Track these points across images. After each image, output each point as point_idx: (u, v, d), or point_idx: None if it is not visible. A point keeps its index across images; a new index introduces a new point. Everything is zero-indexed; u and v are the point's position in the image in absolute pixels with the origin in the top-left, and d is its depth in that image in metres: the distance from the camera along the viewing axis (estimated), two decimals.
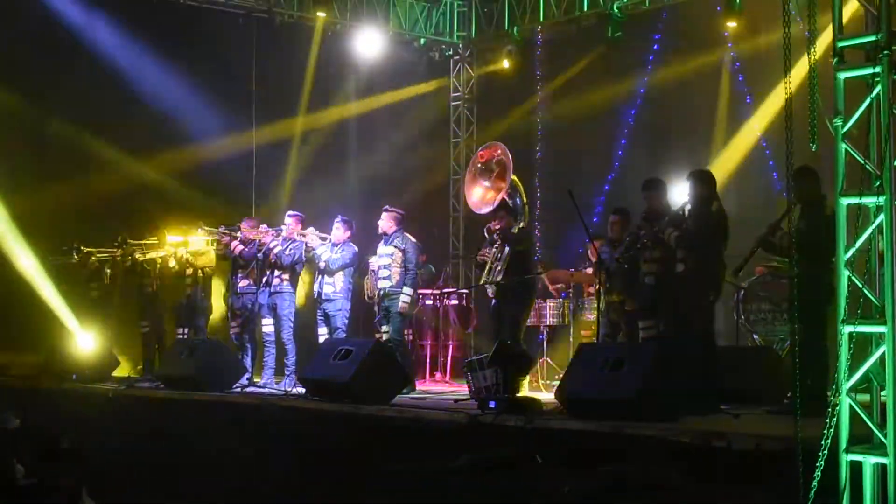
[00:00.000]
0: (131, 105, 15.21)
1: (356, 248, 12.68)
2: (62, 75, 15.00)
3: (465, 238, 17.73)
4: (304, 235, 12.76)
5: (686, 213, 9.74)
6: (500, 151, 12.12)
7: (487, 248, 11.70)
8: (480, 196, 12.18)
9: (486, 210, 12.01)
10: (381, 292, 12.28)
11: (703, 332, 9.53)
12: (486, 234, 11.92)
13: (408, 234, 12.42)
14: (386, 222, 12.32)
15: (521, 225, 11.91)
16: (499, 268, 11.53)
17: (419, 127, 17.69)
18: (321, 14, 16.22)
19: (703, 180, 9.71)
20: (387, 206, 12.54)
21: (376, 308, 13.34)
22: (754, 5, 13.79)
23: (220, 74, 15.80)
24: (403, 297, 12.14)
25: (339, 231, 12.62)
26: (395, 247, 12.21)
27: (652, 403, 8.09)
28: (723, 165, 13.85)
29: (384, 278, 12.24)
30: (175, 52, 15.42)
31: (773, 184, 13.37)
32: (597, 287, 11.14)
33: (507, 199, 11.91)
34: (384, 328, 12.30)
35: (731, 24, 14.26)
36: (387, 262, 12.22)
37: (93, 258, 14.57)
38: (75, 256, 14.58)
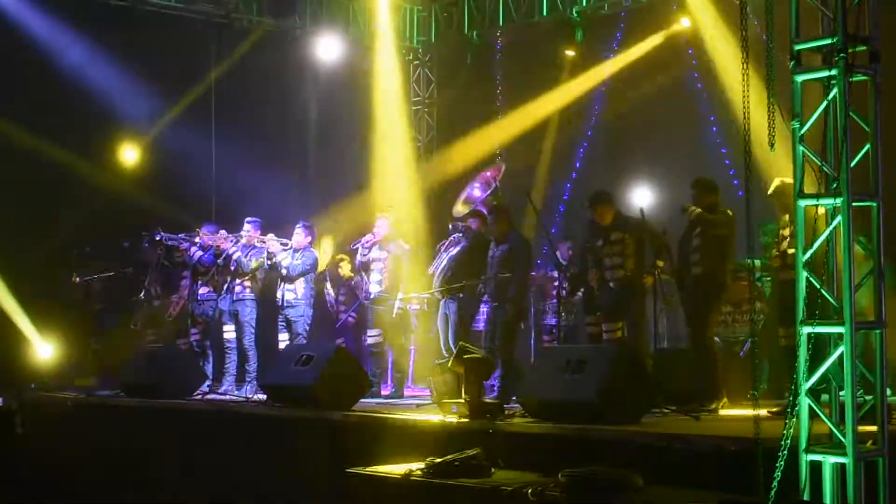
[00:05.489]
0: (87, 112, 15.05)
1: (317, 254, 12.66)
2: (11, 81, 14.81)
3: (428, 244, 17.66)
4: (264, 242, 12.70)
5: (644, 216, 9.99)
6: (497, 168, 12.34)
7: (445, 242, 11.82)
8: (468, 198, 12.30)
9: (462, 209, 12.12)
10: (372, 297, 12.26)
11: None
12: (450, 228, 12.02)
13: (401, 241, 12.42)
14: (382, 228, 12.31)
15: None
16: (443, 261, 11.61)
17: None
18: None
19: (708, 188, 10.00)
20: (381, 213, 12.57)
21: (336, 314, 13.40)
22: (713, 8, 13.89)
23: (178, 80, 15.68)
24: (398, 304, 12.19)
25: (300, 237, 12.59)
26: (390, 252, 12.20)
27: (614, 405, 8.11)
28: (681, 168, 13.91)
29: (376, 283, 12.22)
30: (133, 57, 15.27)
31: (731, 187, 13.42)
32: (557, 290, 11.22)
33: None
34: (371, 332, 12.32)
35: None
36: (380, 266, 12.20)
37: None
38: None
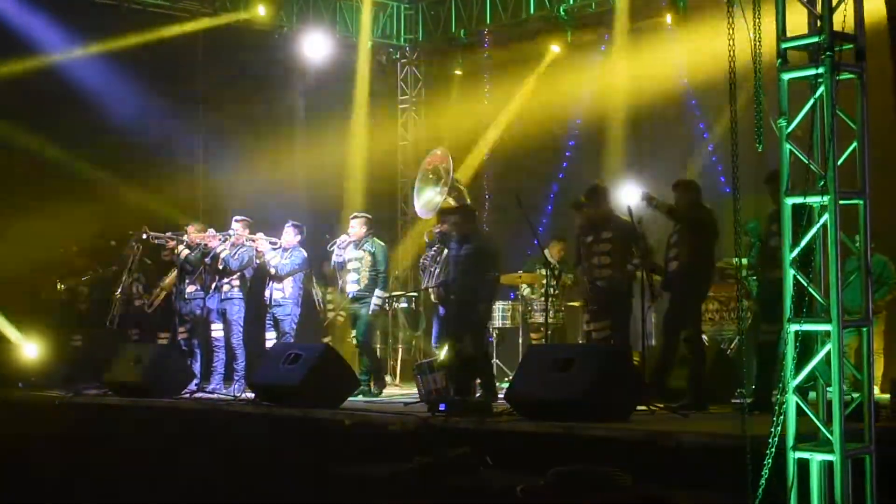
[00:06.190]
0: (74, 109, 15.00)
1: (305, 254, 12.64)
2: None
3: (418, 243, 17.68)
4: (253, 240, 12.67)
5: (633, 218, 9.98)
6: (439, 155, 12.24)
7: (428, 253, 11.82)
8: (429, 200, 12.27)
9: (430, 215, 12.11)
10: (350, 296, 12.28)
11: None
12: (426, 238, 12.05)
13: (377, 239, 12.44)
14: (357, 228, 12.37)
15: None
16: (436, 271, 11.58)
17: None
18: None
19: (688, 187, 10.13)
20: (356, 213, 12.69)
21: (321, 314, 13.41)
22: (701, 6, 13.91)
23: (166, 77, 15.63)
24: (375, 301, 12.18)
25: (289, 236, 12.58)
26: (365, 251, 12.23)
27: (601, 404, 8.12)
28: (669, 168, 13.93)
29: (353, 282, 12.24)
30: (120, 55, 15.23)
31: (718, 184, 13.46)
32: (546, 289, 11.22)
33: (452, 203, 11.96)
34: (353, 331, 12.34)
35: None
36: (356, 265, 12.22)
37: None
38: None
